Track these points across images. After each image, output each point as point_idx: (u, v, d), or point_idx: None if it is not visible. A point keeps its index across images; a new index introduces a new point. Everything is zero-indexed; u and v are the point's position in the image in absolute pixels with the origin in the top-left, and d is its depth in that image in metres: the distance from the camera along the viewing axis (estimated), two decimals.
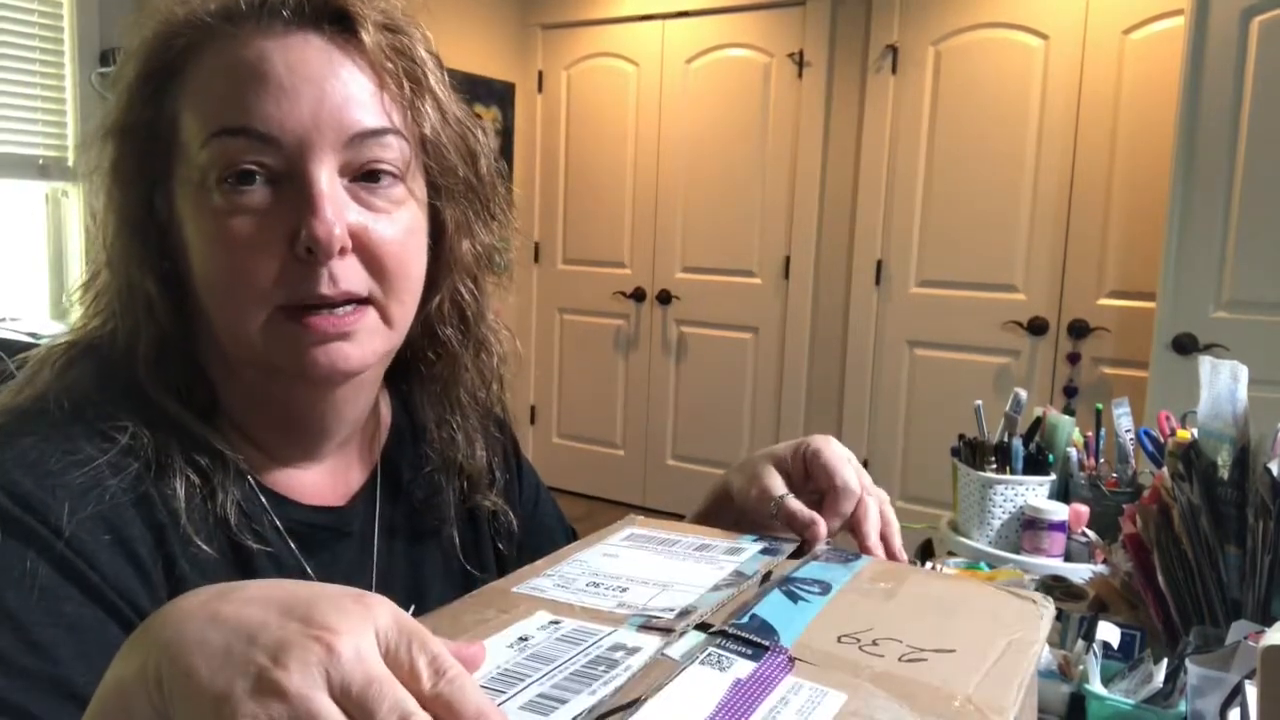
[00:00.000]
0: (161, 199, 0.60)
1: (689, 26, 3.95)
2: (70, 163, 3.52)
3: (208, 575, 0.57)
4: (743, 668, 0.43)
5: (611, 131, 4.17)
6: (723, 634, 0.46)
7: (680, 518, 0.73)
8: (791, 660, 0.44)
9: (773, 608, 0.50)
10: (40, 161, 3.49)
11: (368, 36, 0.59)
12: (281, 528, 0.63)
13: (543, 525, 0.84)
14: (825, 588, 0.54)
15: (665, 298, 4.09)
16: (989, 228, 3.38)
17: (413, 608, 0.65)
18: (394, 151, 0.60)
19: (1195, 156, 2.64)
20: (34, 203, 3.50)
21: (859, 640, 0.47)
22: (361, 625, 0.34)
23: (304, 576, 0.63)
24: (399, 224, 0.60)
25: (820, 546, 0.65)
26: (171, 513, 0.57)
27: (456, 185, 0.66)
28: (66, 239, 3.59)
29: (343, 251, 0.57)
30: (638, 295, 4.17)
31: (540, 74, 4.32)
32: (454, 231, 0.67)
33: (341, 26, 0.59)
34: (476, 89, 4.04)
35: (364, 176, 0.59)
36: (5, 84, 3.40)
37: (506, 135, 4.22)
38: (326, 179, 0.57)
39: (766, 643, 0.45)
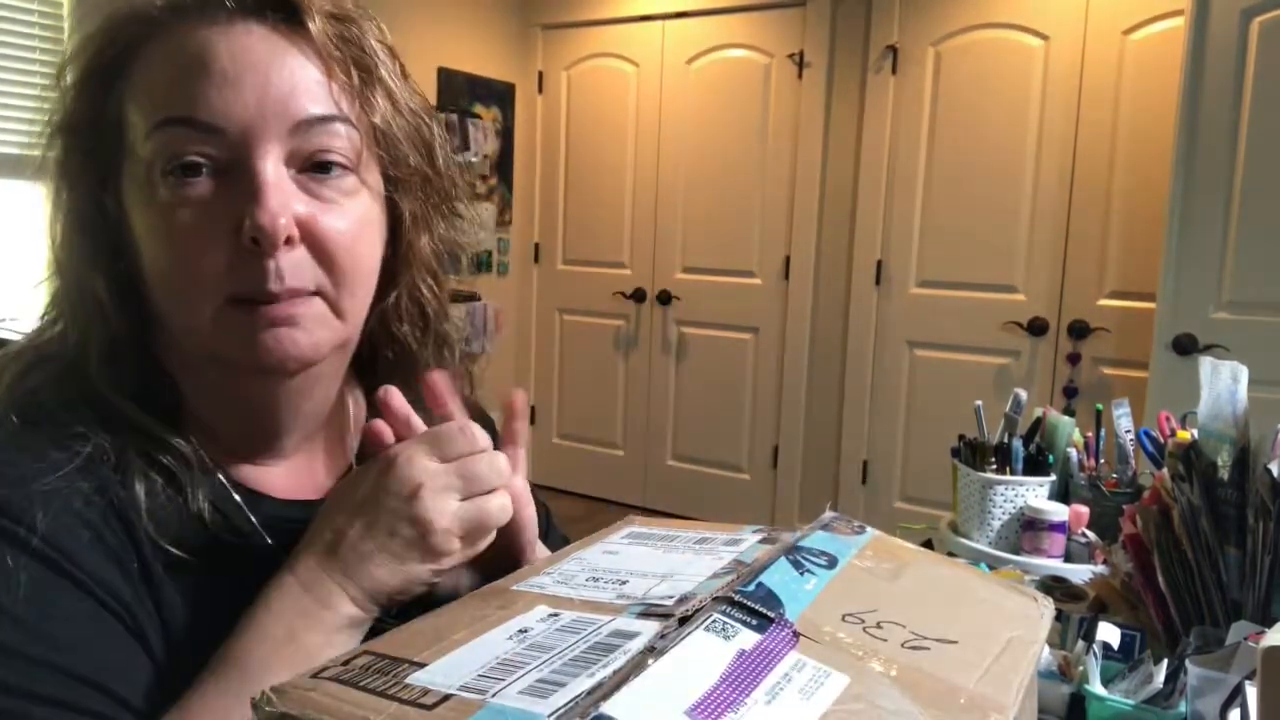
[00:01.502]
0: (111, 197, 0.60)
1: (689, 27, 3.95)
2: None
3: (181, 575, 0.57)
4: (747, 638, 0.43)
5: (611, 132, 4.17)
6: (729, 600, 0.46)
7: (680, 518, 0.73)
8: (796, 635, 0.44)
9: (779, 577, 0.50)
10: (40, 162, 3.48)
11: (314, 25, 0.58)
12: (256, 523, 0.63)
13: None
14: (832, 561, 0.54)
15: (665, 298, 4.09)
16: (989, 228, 3.38)
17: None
18: (342, 140, 0.59)
19: (1195, 156, 2.64)
20: (34, 203, 3.50)
21: (863, 621, 0.47)
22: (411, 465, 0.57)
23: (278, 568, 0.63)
24: (350, 215, 0.59)
25: (829, 514, 0.64)
26: (140, 515, 0.57)
27: (411, 177, 0.65)
28: None
29: (289, 242, 0.56)
30: (638, 295, 4.17)
31: (540, 74, 4.32)
32: (411, 225, 0.66)
33: (286, 15, 0.58)
34: (476, 89, 4.04)
35: (313, 167, 0.58)
36: (5, 84, 3.40)
37: (506, 135, 4.22)
38: (272, 168, 0.56)
39: (772, 615, 0.45)
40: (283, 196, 0.56)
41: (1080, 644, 0.92)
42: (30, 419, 0.57)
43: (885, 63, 3.53)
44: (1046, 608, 0.56)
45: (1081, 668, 0.88)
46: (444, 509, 0.57)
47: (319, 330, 0.59)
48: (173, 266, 0.57)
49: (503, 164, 4.22)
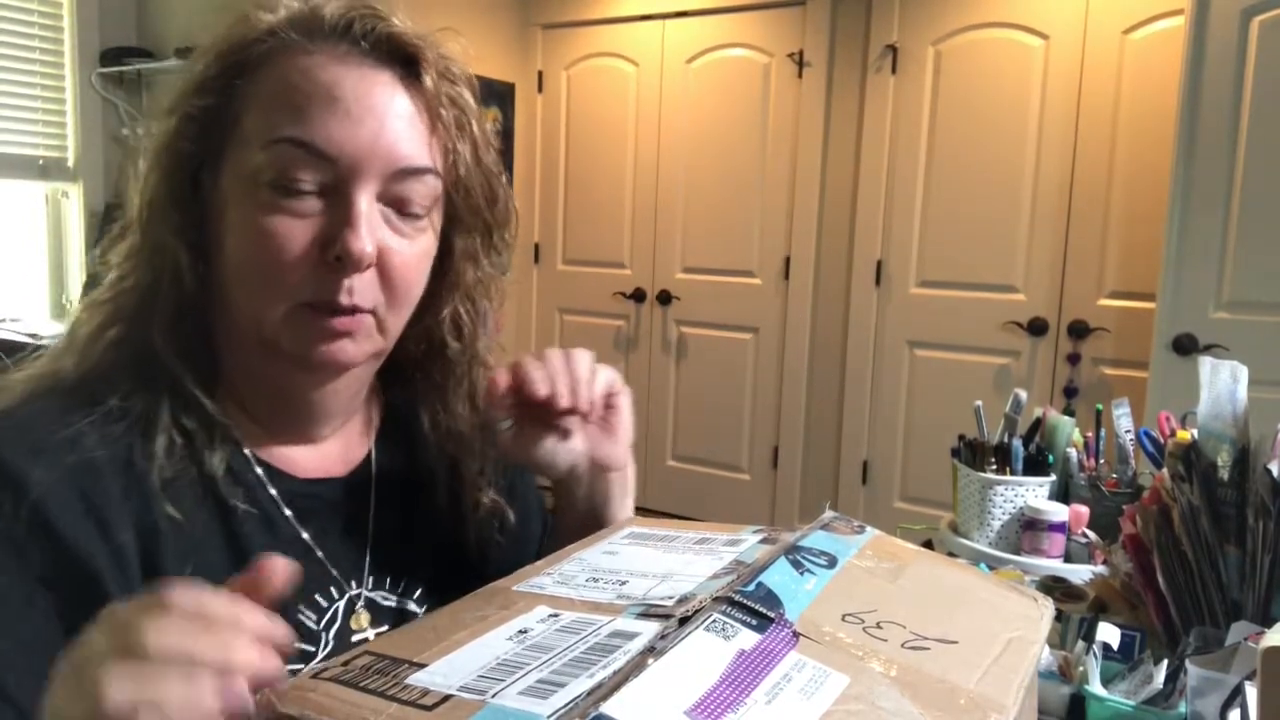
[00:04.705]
0: (208, 177, 0.66)
1: (689, 26, 3.95)
2: (70, 163, 3.52)
3: (187, 532, 0.62)
4: (747, 638, 0.43)
5: (611, 132, 4.17)
6: (729, 600, 0.46)
7: (681, 518, 0.73)
8: (796, 635, 0.44)
9: (779, 577, 0.50)
10: (40, 162, 3.49)
11: (429, 82, 0.66)
12: (277, 497, 0.68)
13: (525, 510, 0.86)
14: (831, 560, 0.54)
15: (665, 298, 4.09)
16: (989, 228, 3.38)
17: (404, 580, 0.72)
18: (427, 189, 0.67)
19: (1195, 156, 2.64)
20: (34, 203, 3.50)
21: (863, 621, 0.47)
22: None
23: (298, 542, 0.69)
24: (415, 249, 0.67)
25: (829, 514, 0.64)
26: (152, 471, 0.61)
27: (475, 222, 0.73)
28: (66, 239, 3.59)
29: (367, 266, 0.64)
30: (638, 296, 4.17)
31: (540, 74, 4.32)
32: (460, 258, 0.74)
33: (408, 69, 0.66)
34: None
35: (396, 204, 0.66)
36: (5, 84, 3.40)
37: (506, 135, 4.22)
38: (366, 201, 0.63)
39: (772, 614, 0.45)
40: (371, 227, 0.64)
41: (1080, 644, 0.92)
42: (81, 377, 0.64)
43: (885, 62, 3.53)
44: (1046, 608, 0.56)
45: (1081, 668, 0.88)
46: (124, 688, 0.40)
47: (366, 343, 0.67)
48: (260, 265, 0.63)
49: (503, 164, 4.21)
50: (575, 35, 4.23)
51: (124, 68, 3.48)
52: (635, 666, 0.39)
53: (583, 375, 0.73)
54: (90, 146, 3.52)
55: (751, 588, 0.48)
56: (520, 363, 0.72)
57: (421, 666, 0.43)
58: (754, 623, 0.45)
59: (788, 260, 3.80)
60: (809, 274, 3.77)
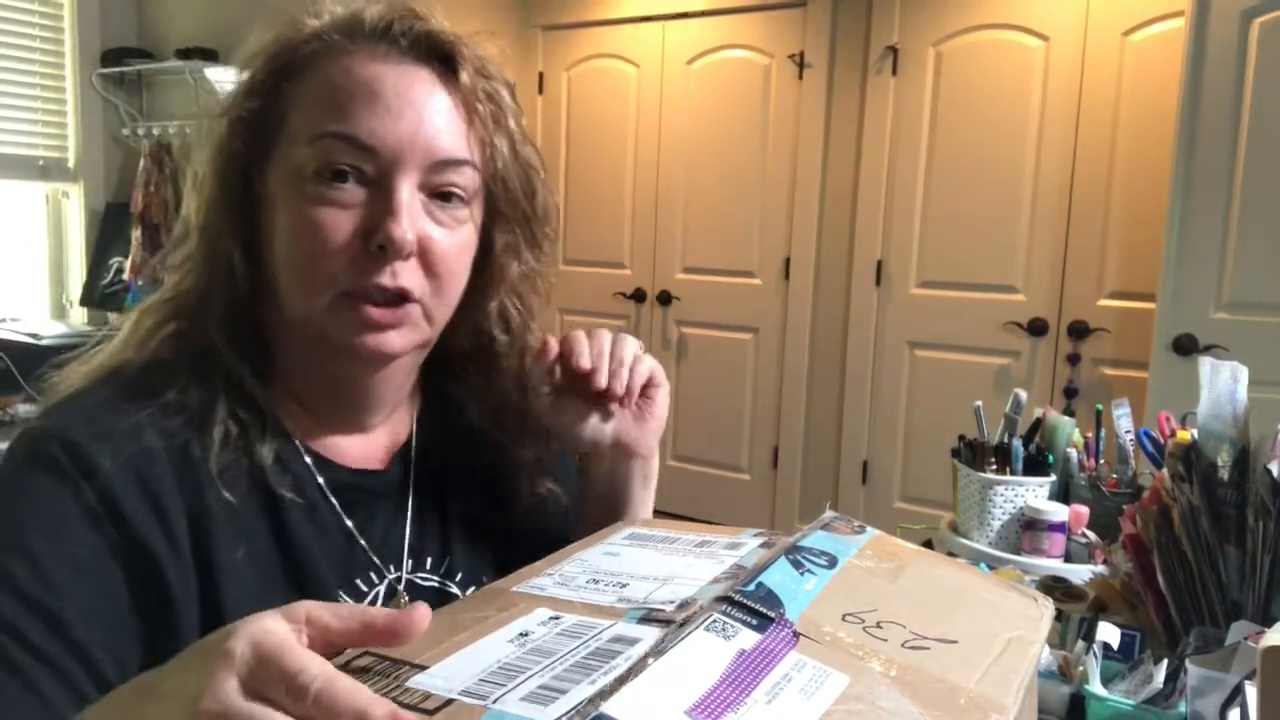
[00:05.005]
0: (258, 177, 0.68)
1: (689, 28, 3.95)
2: (70, 163, 3.52)
3: (236, 519, 0.65)
4: (747, 638, 0.43)
5: (612, 132, 4.17)
6: (729, 600, 0.46)
7: (681, 518, 0.74)
8: (796, 635, 0.44)
9: (779, 577, 0.50)
10: (40, 162, 3.49)
11: (466, 78, 0.69)
12: (324, 486, 0.71)
13: (566, 476, 0.89)
14: (831, 560, 0.54)
15: (665, 298, 4.09)
16: (989, 228, 3.38)
17: (447, 562, 0.75)
18: (467, 179, 0.69)
19: (1195, 157, 2.64)
20: (34, 203, 3.50)
21: (863, 621, 0.47)
22: (211, 679, 0.37)
23: (342, 530, 0.71)
24: (457, 239, 0.70)
25: (829, 514, 0.65)
26: (206, 460, 0.64)
27: (514, 215, 0.75)
28: (67, 239, 3.59)
29: (408, 255, 0.66)
30: (638, 296, 4.17)
31: (541, 75, 4.32)
32: (502, 252, 0.76)
33: (446, 66, 0.69)
34: None
35: (438, 195, 0.68)
36: (5, 84, 3.40)
37: None
38: (408, 191, 0.66)
39: (772, 614, 0.45)
40: (413, 216, 0.66)
41: (1080, 644, 0.92)
42: (143, 369, 0.67)
43: (885, 63, 3.53)
44: (1046, 608, 0.56)
45: (1081, 668, 0.88)
46: None
47: (412, 333, 0.69)
48: (304, 254, 0.65)
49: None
50: (576, 36, 4.23)
51: (124, 68, 3.48)
52: (635, 666, 0.39)
53: (626, 359, 0.77)
54: (90, 147, 3.52)
55: (751, 587, 0.48)
56: (570, 336, 0.77)
57: (422, 669, 0.42)
58: (754, 622, 0.45)
59: (788, 261, 3.80)
60: (809, 274, 3.77)
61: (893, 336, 3.63)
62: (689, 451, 4.12)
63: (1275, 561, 0.93)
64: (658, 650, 0.41)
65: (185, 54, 3.31)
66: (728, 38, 3.87)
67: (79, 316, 3.52)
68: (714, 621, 0.44)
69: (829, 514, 0.64)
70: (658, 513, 0.71)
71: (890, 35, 3.52)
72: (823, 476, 3.83)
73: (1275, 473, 0.92)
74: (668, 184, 4.04)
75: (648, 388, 0.81)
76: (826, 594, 0.50)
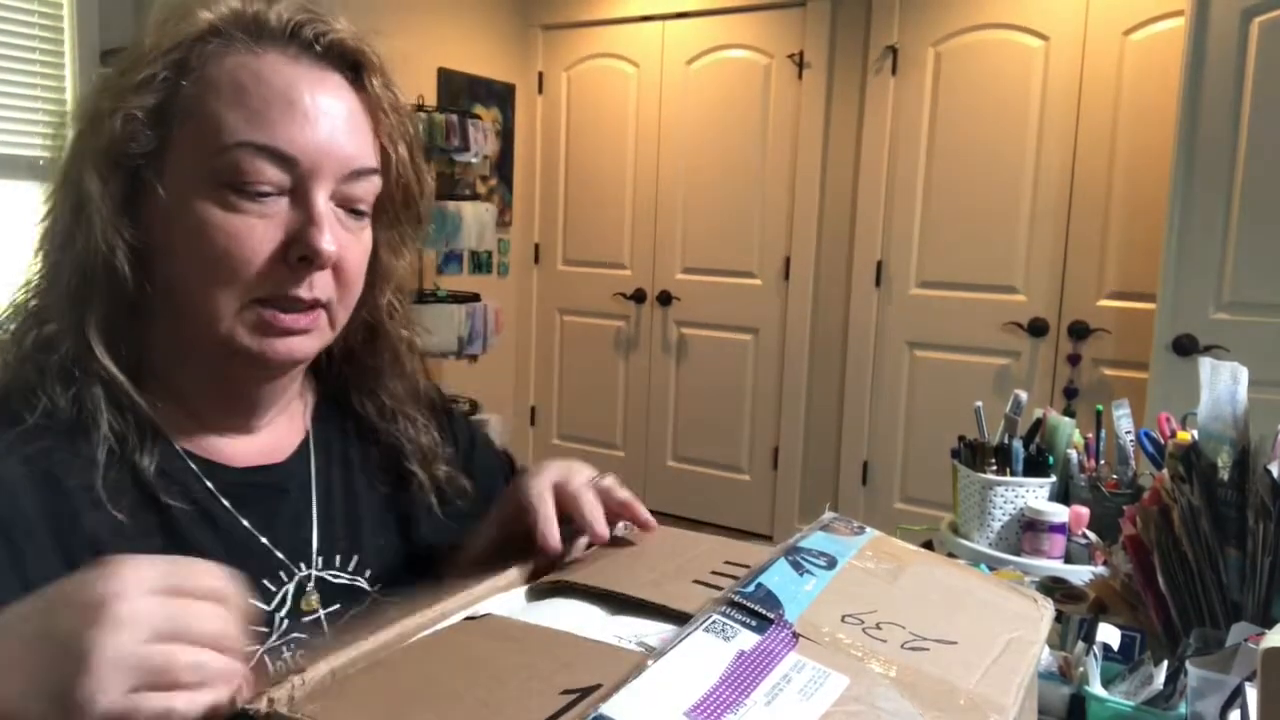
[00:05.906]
0: (152, 177, 0.65)
1: (689, 27, 3.95)
2: None
3: (124, 536, 0.62)
4: (747, 639, 0.43)
5: (611, 132, 4.17)
6: (728, 602, 0.46)
7: (681, 519, 0.73)
8: (795, 636, 0.44)
9: (778, 578, 0.50)
10: (40, 162, 3.49)
11: (374, 88, 0.69)
12: (214, 489, 0.69)
13: (484, 468, 0.89)
14: (831, 561, 0.54)
15: (665, 299, 4.09)
16: (989, 228, 3.38)
17: (355, 558, 0.74)
18: (372, 189, 0.70)
19: (1195, 156, 2.64)
20: (34, 203, 3.50)
21: (863, 622, 0.47)
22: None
23: (240, 530, 0.69)
24: (362, 245, 0.71)
25: (829, 515, 0.64)
26: (84, 478, 0.62)
27: (405, 215, 0.76)
28: None
29: (331, 265, 0.66)
30: (638, 296, 4.17)
31: (540, 75, 4.32)
32: (386, 249, 0.76)
33: (354, 73, 0.69)
34: (476, 90, 4.04)
35: (344, 202, 0.68)
36: (5, 84, 3.39)
37: (506, 136, 4.22)
38: (324, 202, 0.66)
39: (771, 615, 0.45)
40: (332, 227, 0.66)
41: (1080, 645, 0.92)
42: (9, 387, 0.64)
43: (885, 63, 3.53)
44: (1046, 609, 0.56)
45: (1081, 669, 0.88)
46: (123, 641, 0.43)
47: (320, 338, 0.70)
48: (219, 263, 0.64)
49: (503, 164, 4.22)
50: (575, 36, 4.23)
51: None
52: (635, 668, 0.39)
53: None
54: None
55: (751, 588, 0.48)
56: (581, 507, 0.68)
57: None
58: (753, 623, 0.44)
59: (788, 261, 3.80)
60: (809, 274, 3.77)
61: (893, 337, 3.63)
62: (689, 452, 4.12)
63: (1275, 563, 0.93)
64: (657, 651, 0.41)
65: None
66: (727, 37, 3.87)
67: None
68: (713, 622, 0.44)
69: (828, 515, 0.64)
70: (658, 513, 0.70)
71: (890, 35, 3.52)
72: (823, 477, 3.82)
73: (1275, 474, 0.92)
74: (667, 184, 4.04)
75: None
76: (826, 595, 0.50)
